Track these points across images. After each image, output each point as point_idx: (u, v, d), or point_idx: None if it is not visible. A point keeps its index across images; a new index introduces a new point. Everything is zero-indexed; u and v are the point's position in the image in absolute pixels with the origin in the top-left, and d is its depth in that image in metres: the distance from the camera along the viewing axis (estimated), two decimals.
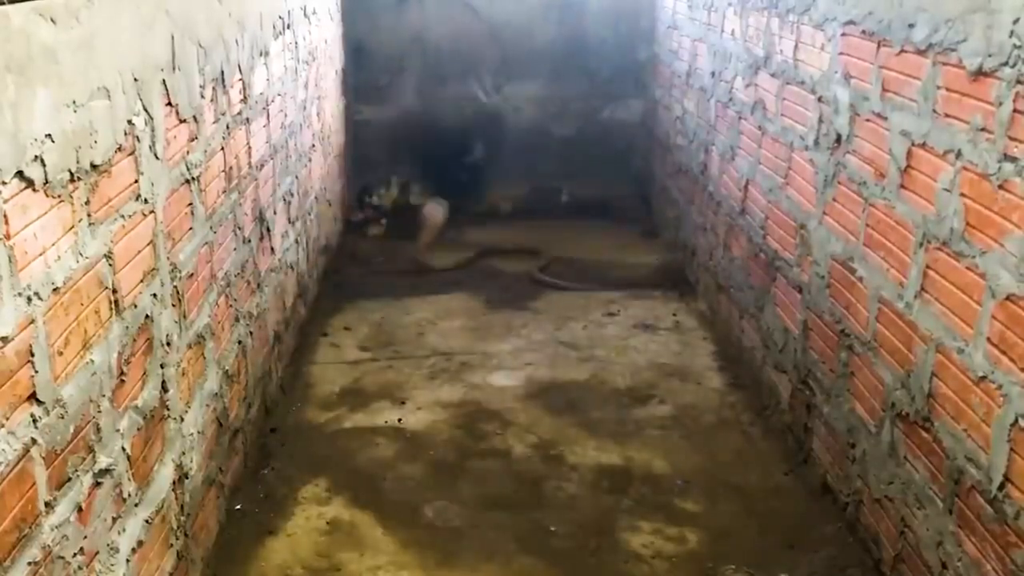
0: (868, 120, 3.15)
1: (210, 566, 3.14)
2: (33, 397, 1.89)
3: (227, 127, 3.43)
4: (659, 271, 6.01)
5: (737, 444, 3.99)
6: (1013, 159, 2.28)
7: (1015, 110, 2.27)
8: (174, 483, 2.78)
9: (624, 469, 3.80)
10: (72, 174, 2.07)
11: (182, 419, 2.87)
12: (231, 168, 3.50)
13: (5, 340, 1.77)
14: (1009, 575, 2.31)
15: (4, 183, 1.77)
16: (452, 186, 7.10)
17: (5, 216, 1.78)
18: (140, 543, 2.50)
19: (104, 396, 2.25)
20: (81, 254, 2.13)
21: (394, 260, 6.25)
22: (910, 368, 2.85)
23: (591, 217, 6.93)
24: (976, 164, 2.45)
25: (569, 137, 7.34)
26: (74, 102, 2.07)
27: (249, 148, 3.80)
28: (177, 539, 2.81)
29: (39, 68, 1.90)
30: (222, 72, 3.34)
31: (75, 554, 2.08)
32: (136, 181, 2.48)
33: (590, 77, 7.28)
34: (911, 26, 2.80)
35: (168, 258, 2.74)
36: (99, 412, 2.22)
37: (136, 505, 2.48)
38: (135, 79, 2.44)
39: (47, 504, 1.95)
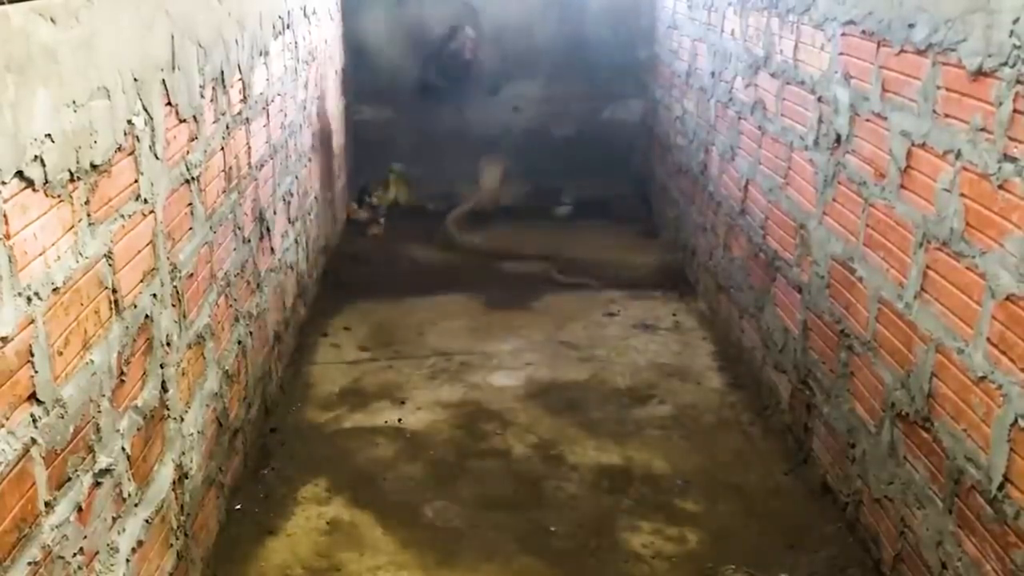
0: (868, 120, 3.14)
1: (210, 566, 3.14)
2: (33, 397, 1.89)
3: (227, 127, 3.43)
4: (659, 271, 6.01)
5: (737, 444, 3.99)
6: (1013, 159, 2.28)
7: (1015, 110, 2.27)
8: (174, 483, 2.78)
9: (624, 469, 3.80)
10: (72, 174, 2.07)
11: (182, 419, 2.87)
12: (231, 168, 3.50)
13: (5, 340, 1.77)
14: (1009, 575, 2.31)
15: (4, 183, 1.77)
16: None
17: (5, 216, 1.78)
18: (140, 543, 2.50)
19: (104, 396, 2.25)
20: (81, 254, 2.13)
21: (394, 260, 6.25)
22: (910, 368, 2.85)
23: (591, 217, 6.93)
24: (976, 164, 2.45)
25: (569, 137, 7.34)
26: (74, 102, 2.07)
27: (249, 148, 3.80)
28: (177, 539, 2.81)
29: (39, 68, 1.90)
30: (222, 72, 3.34)
31: (75, 554, 2.08)
32: (136, 181, 2.48)
33: (590, 77, 7.27)
34: (911, 26, 2.80)
35: (168, 258, 2.74)
36: (99, 412, 2.22)
37: (136, 505, 2.48)
38: (135, 79, 2.44)
39: (47, 504, 1.95)
